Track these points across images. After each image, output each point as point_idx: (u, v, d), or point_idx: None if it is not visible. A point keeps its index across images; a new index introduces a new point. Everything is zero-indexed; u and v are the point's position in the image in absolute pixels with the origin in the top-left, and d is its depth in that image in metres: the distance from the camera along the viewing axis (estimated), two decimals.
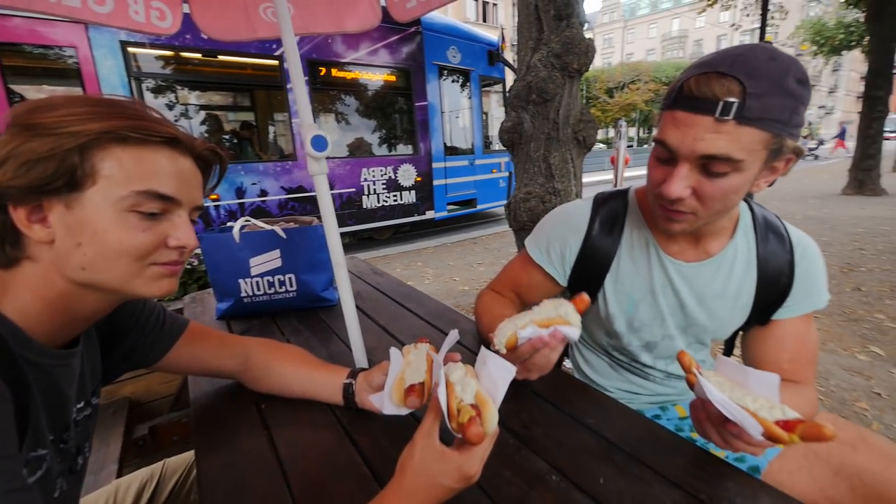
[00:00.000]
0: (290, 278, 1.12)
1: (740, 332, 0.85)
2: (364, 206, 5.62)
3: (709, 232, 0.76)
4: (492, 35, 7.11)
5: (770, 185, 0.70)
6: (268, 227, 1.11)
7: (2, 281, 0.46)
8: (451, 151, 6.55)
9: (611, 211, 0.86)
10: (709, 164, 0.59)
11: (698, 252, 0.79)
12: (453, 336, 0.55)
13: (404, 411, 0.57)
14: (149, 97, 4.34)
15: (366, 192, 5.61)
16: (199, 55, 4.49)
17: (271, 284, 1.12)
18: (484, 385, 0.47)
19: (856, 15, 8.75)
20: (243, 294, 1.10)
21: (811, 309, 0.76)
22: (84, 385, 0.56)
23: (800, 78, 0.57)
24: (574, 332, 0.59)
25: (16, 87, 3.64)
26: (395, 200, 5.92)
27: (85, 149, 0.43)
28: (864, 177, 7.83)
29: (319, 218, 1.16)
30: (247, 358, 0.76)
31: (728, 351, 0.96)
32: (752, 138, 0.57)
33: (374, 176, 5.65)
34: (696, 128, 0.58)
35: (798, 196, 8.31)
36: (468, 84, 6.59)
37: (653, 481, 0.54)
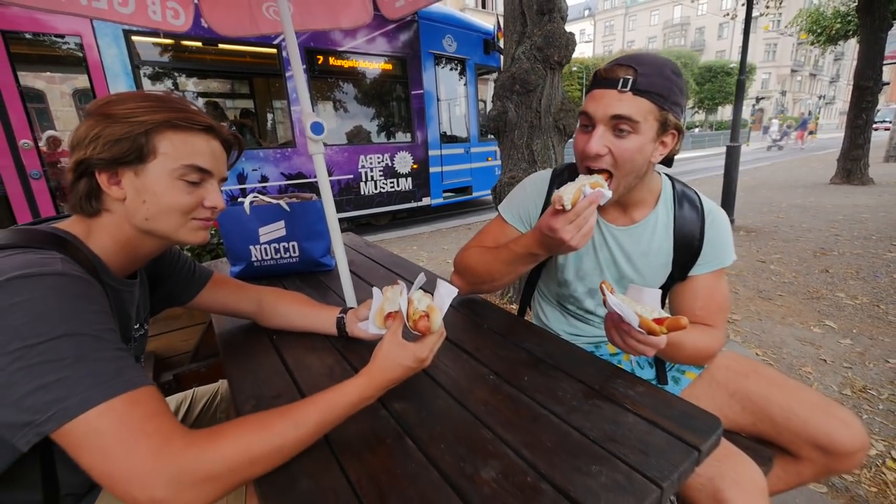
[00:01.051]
0: (293, 245, 1.31)
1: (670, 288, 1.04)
2: (362, 193, 5.77)
3: (632, 202, 0.96)
4: (489, 23, 7.18)
5: (667, 161, 0.90)
6: (274, 201, 1.29)
7: (88, 226, 0.64)
8: (447, 139, 6.68)
9: (563, 181, 1.04)
10: (617, 124, 0.80)
11: (626, 219, 0.98)
12: (420, 278, 0.73)
13: (384, 332, 0.76)
14: (148, 84, 4.46)
15: (363, 179, 5.76)
16: (199, 43, 4.61)
17: (277, 250, 1.31)
18: (435, 301, 0.66)
19: (854, 3, 8.78)
20: (253, 259, 1.30)
21: (719, 266, 0.94)
22: (140, 311, 0.76)
23: (674, 70, 0.82)
24: (608, 193, 0.76)
25: (23, 74, 3.77)
26: (393, 187, 6.08)
27: (149, 133, 0.60)
28: (852, 166, 7.99)
29: (318, 195, 1.35)
30: (259, 301, 0.96)
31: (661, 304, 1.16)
32: (644, 107, 0.79)
33: (371, 163, 5.79)
34: (606, 98, 0.80)
35: (787, 185, 8.48)
36: (464, 72, 6.69)
37: (563, 379, 0.74)
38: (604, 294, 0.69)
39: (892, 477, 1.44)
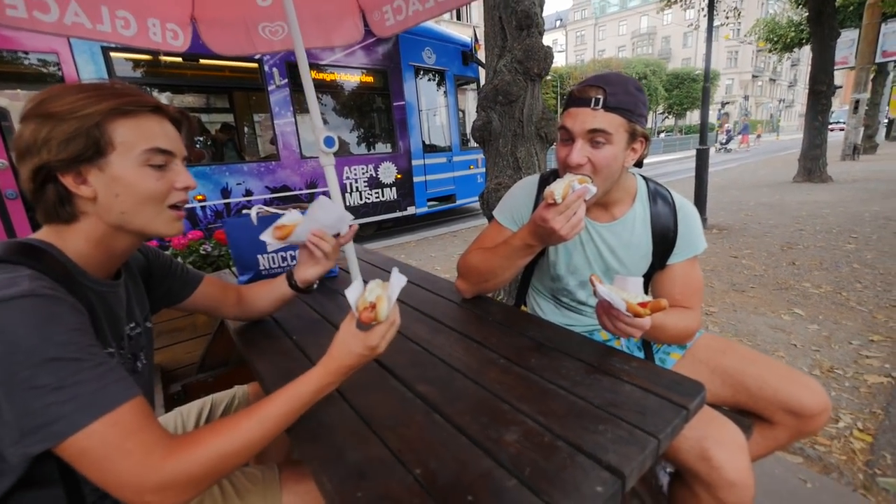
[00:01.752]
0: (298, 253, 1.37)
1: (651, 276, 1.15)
2: (347, 204, 5.81)
3: (611, 201, 1.07)
4: (465, 34, 7.39)
5: (638, 163, 1.02)
6: (279, 211, 1.35)
7: (62, 233, 0.64)
8: (430, 149, 6.80)
9: (550, 185, 1.15)
10: (593, 136, 0.91)
11: (608, 216, 1.09)
12: (395, 274, 0.72)
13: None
14: None
15: (348, 190, 5.80)
16: (179, 59, 4.60)
17: (284, 259, 1.37)
18: (389, 291, 0.68)
19: (806, 13, 9.38)
20: (262, 267, 1.35)
21: (692, 254, 1.06)
22: (132, 310, 0.77)
23: (636, 86, 0.94)
24: (593, 188, 0.86)
25: None
26: (378, 197, 6.14)
27: (100, 125, 0.59)
28: (811, 165, 8.49)
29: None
30: (238, 296, 1.04)
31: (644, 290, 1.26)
32: (615, 120, 0.91)
33: (355, 174, 5.85)
34: (581, 115, 0.92)
35: (753, 185, 8.93)
36: (444, 83, 6.85)
37: (565, 359, 0.83)
38: (594, 285, 0.78)
39: (859, 445, 1.58)
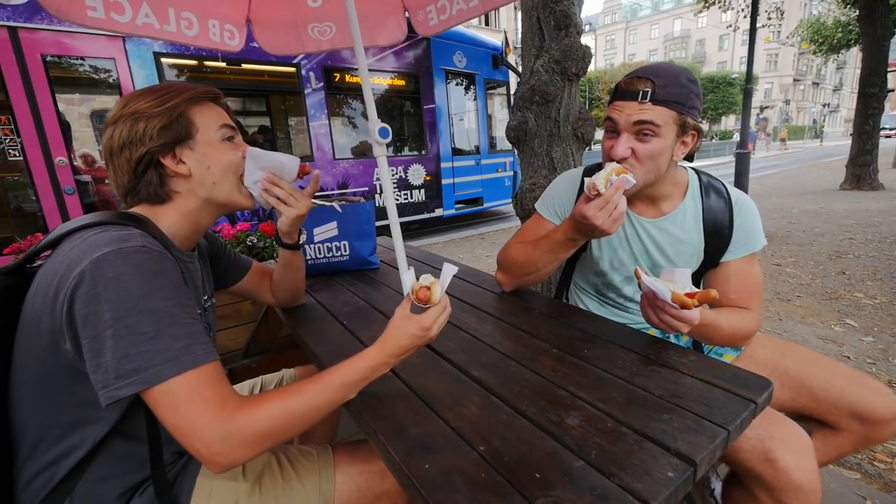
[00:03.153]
0: (344, 244, 1.41)
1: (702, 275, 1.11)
2: (376, 205, 5.90)
3: (659, 195, 1.03)
4: (495, 39, 7.41)
5: (688, 157, 0.99)
6: (327, 204, 1.39)
7: (156, 210, 0.73)
8: (458, 152, 6.84)
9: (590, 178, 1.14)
10: (640, 129, 0.88)
11: (655, 211, 1.06)
12: (447, 265, 0.74)
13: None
14: None
15: (378, 191, 5.90)
16: (223, 64, 4.82)
17: (329, 249, 1.41)
18: (441, 279, 0.70)
19: (854, 14, 8.94)
20: (308, 257, 1.39)
21: (749, 251, 1.01)
22: (205, 283, 0.86)
23: (689, 78, 0.91)
24: (632, 178, 0.85)
25: (60, 96, 3.97)
26: (406, 199, 6.22)
27: (184, 112, 0.71)
28: (861, 172, 8.02)
29: (364, 197, 1.46)
30: (271, 280, 1.09)
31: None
32: (664, 113, 0.87)
33: None
34: (628, 108, 0.89)
35: (796, 192, 8.52)
36: (474, 87, 6.88)
37: (619, 351, 0.81)
38: (638, 277, 0.77)
39: None
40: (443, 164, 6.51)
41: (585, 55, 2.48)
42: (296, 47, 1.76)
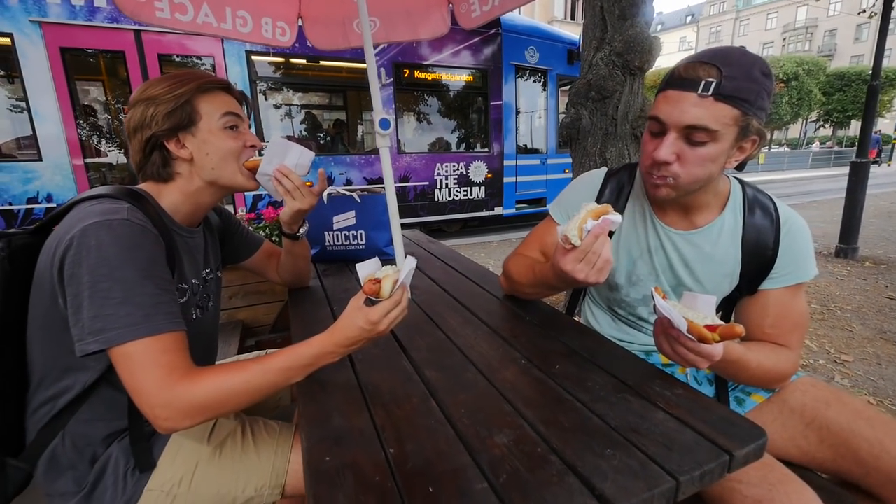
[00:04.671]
0: (361, 233, 1.45)
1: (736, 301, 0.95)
2: (436, 199, 5.98)
3: (695, 205, 0.89)
4: (574, 34, 7.06)
5: (739, 166, 0.83)
6: (347, 193, 1.44)
7: (160, 188, 0.80)
8: (524, 150, 6.66)
9: (618, 181, 1.02)
10: (691, 134, 0.74)
11: (687, 223, 0.92)
12: (408, 259, 0.71)
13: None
14: (262, 98, 5.13)
15: (438, 186, 5.97)
16: (304, 61, 5.20)
17: (346, 237, 1.45)
18: (400, 275, 0.67)
19: None
20: (327, 243, 1.45)
21: (796, 281, 0.85)
22: (208, 257, 0.92)
23: (764, 70, 0.73)
24: (616, 217, 0.71)
25: None
26: (466, 195, 6.21)
27: (189, 100, 0.76)
28: None
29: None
30: (279, 260, 1.15)
31: (724, 320, 1.05)
32: (726, 113, 0.71)
33: (447, 171, 5.99)
34: (682, 102, 0.73)
35: None
36: (545, 83, 6.64)
37: (596, 372, 0.73)
38: (654, 298, 0.66)
39: None
40: (506, 163, 6.38)
41: (652, 47, 2.26)
42: (341, 42, 1.84)
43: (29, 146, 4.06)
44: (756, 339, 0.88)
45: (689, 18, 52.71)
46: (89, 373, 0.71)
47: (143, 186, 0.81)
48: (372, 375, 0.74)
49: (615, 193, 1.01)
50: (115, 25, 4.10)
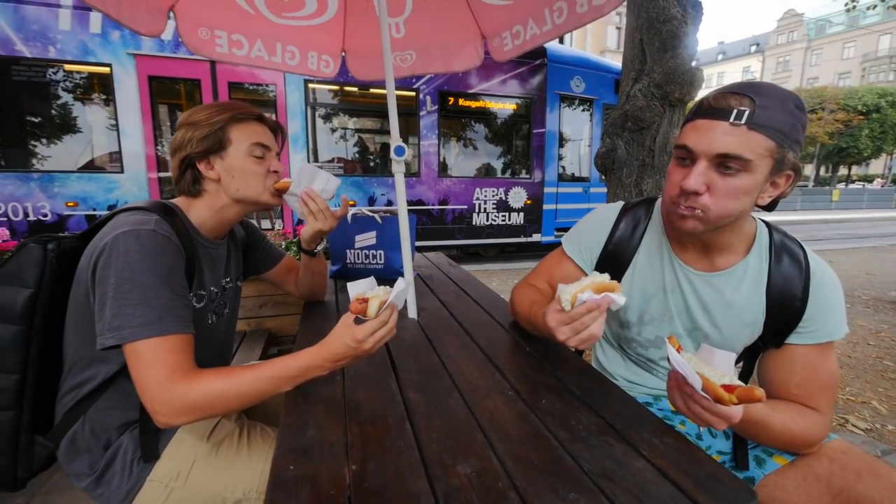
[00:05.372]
0: (380, 253, 1.50)
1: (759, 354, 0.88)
2: (473, 223, 6.03)
3: (718, 245, 0.84)
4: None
5: (773, 204, 0.77)
6: (369, 214, 1.51)
7: (190, 203, 0.88)
8: (565, 178, 6.60)
9: (634, 215, 0.98)
10: (723, 163, 0.70)
11: (707, 263, 0.87)
12: (400, 281, 0.73)
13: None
14: (319, 122, 5.50)
15: (476, 210, 6.03)
16: (355, 88, 5.55)
17: (366, 256, 1.51)
18: (391, 295, 0.69)
19: None
20: (348, 261, 1.52)
21: (826, 339, 0.78)
22: (229, 268, 0.99)
23: (798, 104, 0.70)
24: (620, 299, 0.67)
25: None
26: (504, 221, 6.21)
27: (223, 128, 0.85)
28: None
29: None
30: (297, 274, 1.22)
31: (746, 372, 0.96)
32: (760, 143, 0.68)
33: (486, 196, 6.04)
34: (713, 130, 0.70)
35: None
36: (590, 112, 6.60)
37: (583, 411, 0.70)
38: (668, 350, 0.61)
39: None
40: (546, 189, 6.34)
41: (694, 78, 2.20)
42: (381, 74, 1.95)
43: (115, 160, 4.61)
44: (781, 398, 0.81)
45: (753, 48, 50.50)
46: (111, 365, 0.78)
47: (177, 200, 0.90)
48: (357, 392, 0.76)
49: (630, 228, 0.98)
50: (194, 57, 4.61)
